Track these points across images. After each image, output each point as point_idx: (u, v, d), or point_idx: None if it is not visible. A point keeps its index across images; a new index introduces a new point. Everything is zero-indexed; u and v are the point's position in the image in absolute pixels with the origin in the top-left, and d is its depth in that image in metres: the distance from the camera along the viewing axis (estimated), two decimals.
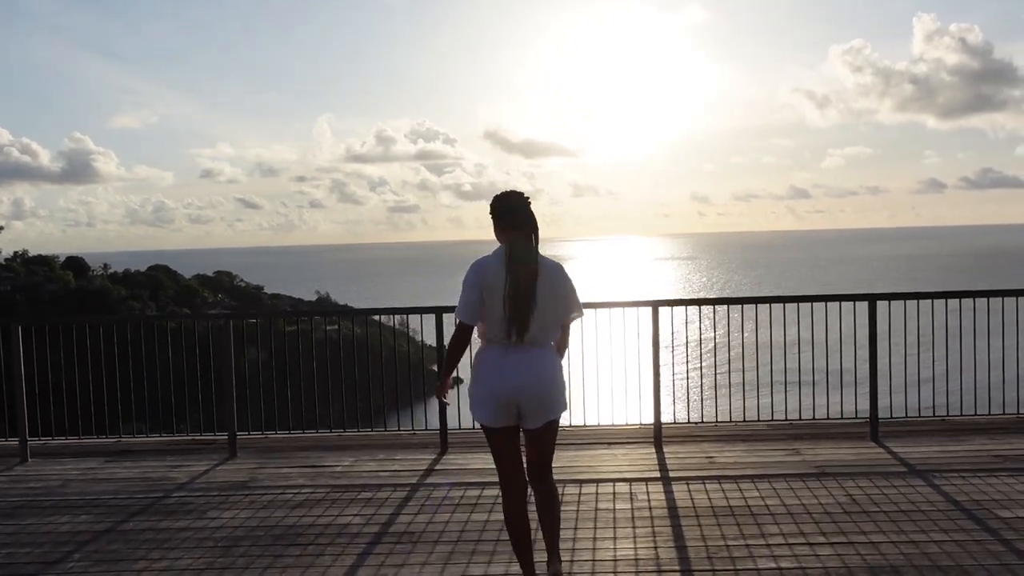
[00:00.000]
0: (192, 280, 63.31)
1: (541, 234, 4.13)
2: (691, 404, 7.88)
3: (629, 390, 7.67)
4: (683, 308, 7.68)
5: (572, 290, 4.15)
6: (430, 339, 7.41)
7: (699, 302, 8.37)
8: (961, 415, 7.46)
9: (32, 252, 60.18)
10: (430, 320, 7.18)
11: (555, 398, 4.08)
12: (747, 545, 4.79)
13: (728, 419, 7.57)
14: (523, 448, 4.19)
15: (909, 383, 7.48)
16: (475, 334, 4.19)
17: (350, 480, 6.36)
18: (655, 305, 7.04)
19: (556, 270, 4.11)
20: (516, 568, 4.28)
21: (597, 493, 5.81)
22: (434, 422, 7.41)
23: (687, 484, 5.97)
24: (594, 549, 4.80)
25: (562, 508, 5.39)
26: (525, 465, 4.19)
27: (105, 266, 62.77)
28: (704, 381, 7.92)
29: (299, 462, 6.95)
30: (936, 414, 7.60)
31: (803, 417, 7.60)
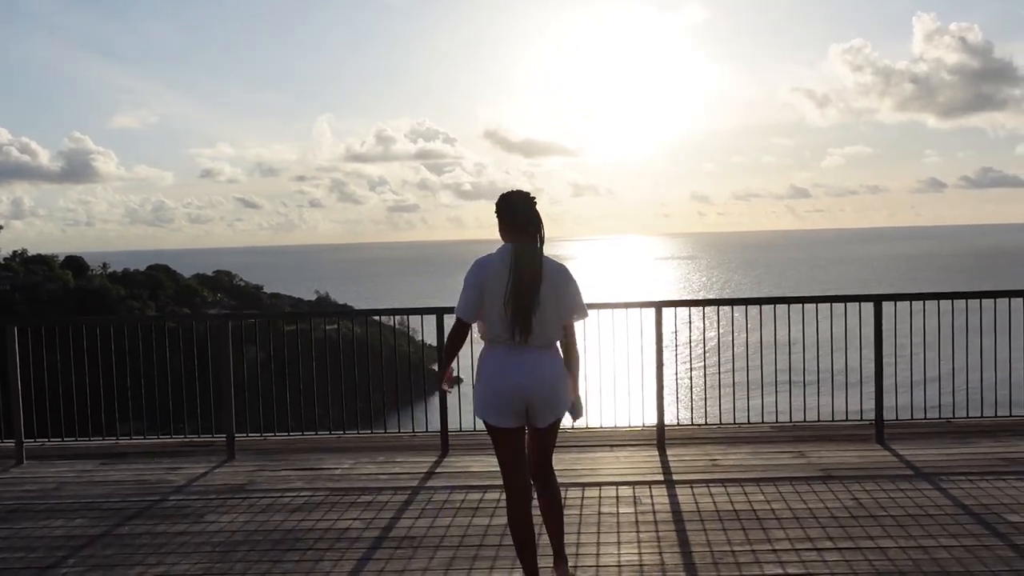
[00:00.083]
0: (192, 280, 63.24)
1: None
2: (694, 406, 7.78)
3: (632, 391, 7.59)
4: (687, 309, 7.61)
5: (575, 291, 4.13)
6: (430, 339, 7.32)
7: (703, 303, 8.30)
8: (967, 417, 7.38)
9: (31, 251, 60.19)
10: (431, 320, 7.10)
11: (561, 397, 4.10)
12: (753, 550, 4.71)
13: (732, 421, 7.49)
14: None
15: (914, 385, 7.38)
16: (477, 334, 4.20)
17: (350, 483, 6.28)
18: (659, 306, 6.96)
19: (559, 271, 4.10)
20: (519, 574, 4.20)
21: (600, 497, 5.72)
22: (435, 424, 7.33)
23: (691, 487, 5.89)
24: (598, 555, 4.71)
25: (565, 513, 5.34)
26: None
27: (104, 265, 62.70)
28: (707, 382, 7.83)
29: (298, 464, 6.87)
30: (941, 416, 7.52)
31: (807, 419, 7.52)
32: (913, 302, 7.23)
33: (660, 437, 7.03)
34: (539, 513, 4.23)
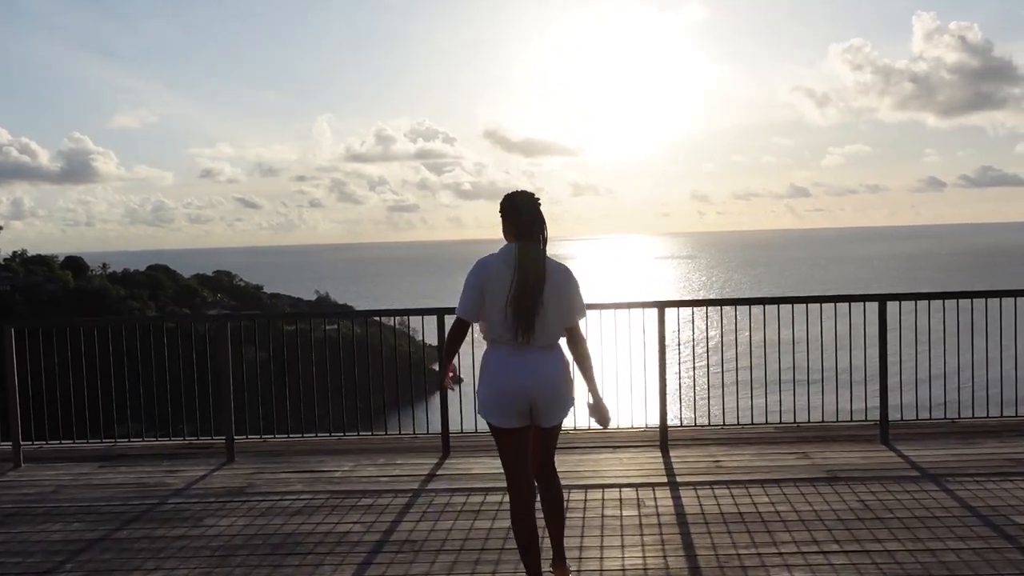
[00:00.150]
0: (191, 280, 63.21)
1: None
2: (697, 406, 7.73)
3: (634, 392, 7.53)
4: (689, 309, 7.55)
5: (576, 292, 4.13)
6: (431, 339, 7.27)
7: (706, 303, 8.23)
8: (973, 418, 7.33)
9: (31, 252, 60.16)
10: (431, 321, 7.05)
11: (566, 397, 4.11)
12: (758, 554, 4.65)
13: (735, 421, 7.43)
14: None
15: (919, 385, 7.32)
16: (479, 334, 4.21)
17: (350, 486, 6.22)
18: (661, 306, 6.90)
19: (561, 271, 4.10)
20: None
21: (603, 499, 5.67)
22: (436, 425, 7.27)
23: (695, 489, 5.83)
24: (601, 558, 4.66)
25: (568, 515, 5.29)
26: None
27: (104, 266, 62.67)
28: (710, 383, 7.77)
29: (298, 467, 6.81)
30: (946, 416, 7.46)
31: (811, 419, 7.46)
32: (918, 301, 7.17)
33: (663, 438, 6.97)
34: (541, 515, 4.20)
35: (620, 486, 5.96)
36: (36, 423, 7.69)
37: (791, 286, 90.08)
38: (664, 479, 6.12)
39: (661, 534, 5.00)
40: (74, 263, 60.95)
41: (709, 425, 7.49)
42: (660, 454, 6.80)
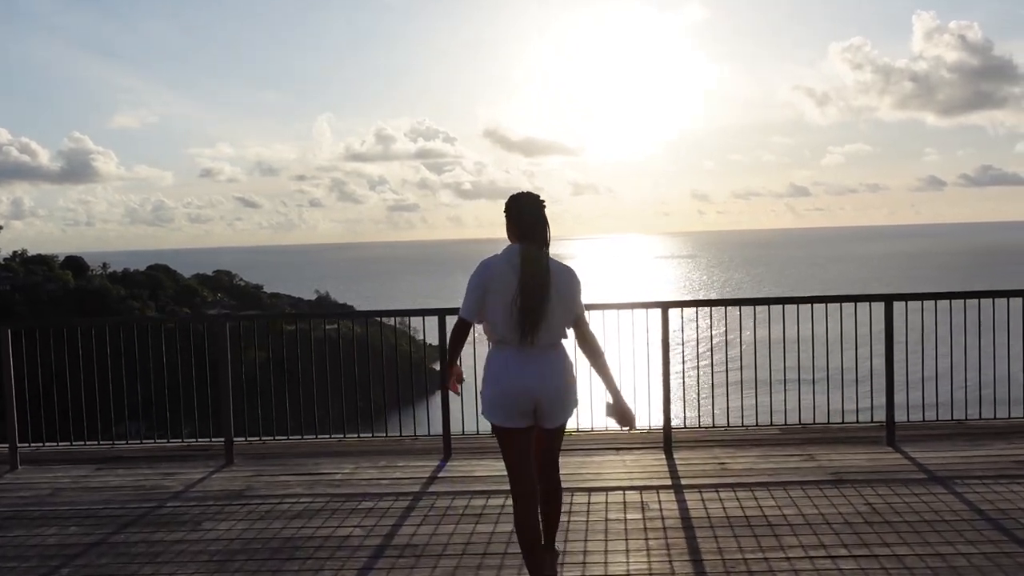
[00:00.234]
0: (192, 279, 63.17)
1: None
2: (701, 407, 7.65)
3: (637, 393, 7.45)
4: (693, 309, 7.47)
5: (578, 291, 4.16)
6: (431, 339, 7.20)
7: (710, 303, 8.14)
8: (980, 419, 7.25)
9: (31, 252, 60.14)
10: (432, 321, 6.99)
11: (570, 397, 4.11)
12: (765, 558, 4.58)
13: (739, 423, 7.35)
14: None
15: (925, 386, 7.25)
16: (481, 335, 4.22)
17: (350, 488, 6.15)
18: (665, 306, 6.82)
19: (564, 271, 4.13)
20: None
21: (607, 502, 5.59)
22: (437, 427, 7.19)
23: (700, 492, 5.75)
24: (606, 563, 4.58)
25: (571, 519, 5.23)
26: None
27: (104, 265, 62.63)
28: (714, 383, 7.70)
29: (297, 469, 6.73)
30: (953, 417, 7.38)
31: (816, 421, 7.38)
32: (925, 301, 7.09)
33: (667, 440, 6.89)
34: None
35: (624, 489, 5.88)
36: (34, 425, 7.62)
37: (791, 285, 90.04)
38: (668, 481, 6.05)
39: (666, 538, 4.93)
40: (74, 263, 60.91)
41: (713, 427, 7.41)
42: (664, 456, 6.72)
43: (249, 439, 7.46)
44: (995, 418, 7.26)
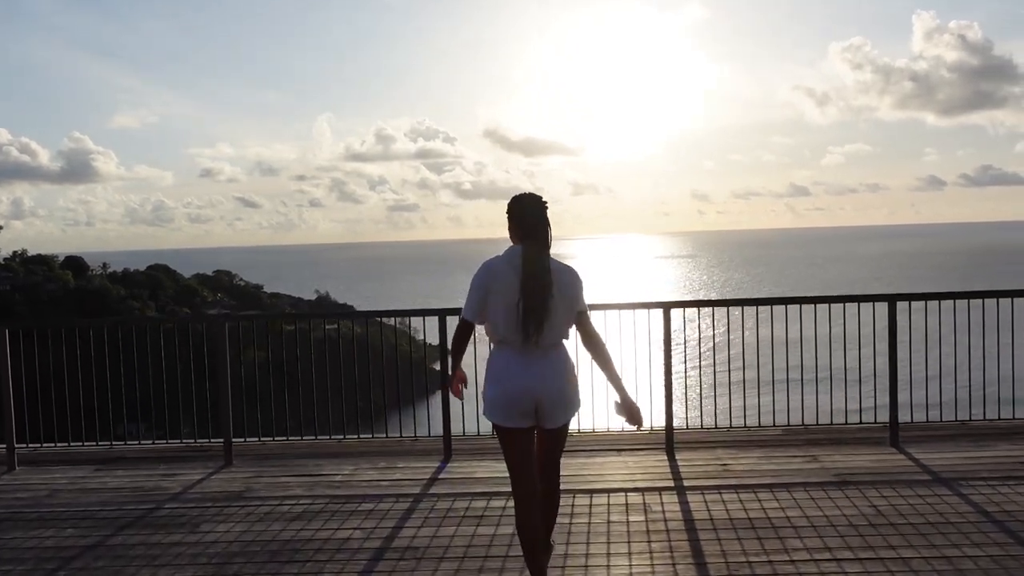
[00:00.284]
0: (192, 279, 63.15)
1: None
2: (703, 408, 7.60)
3: (639, 394, 7.40)
4: (695, 309, 7.41)
5: (580, 289, 4.16)
6: (432, 339, 7.16)
7: (712, 303, 8.08)
8: (984, 419, 7.21)
9: (31, 252, 60.14)
10: (432, 321, 6.94)
11: (573, 398, 4.12)
12: (770, 561, 4.53)
13: (742, 424, 7.30)
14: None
15: (928, 386, 7.19)
16: (483, 335, 4.23)
17: (350, 490, 6.09)
18: (667, 307, 6.77)
19: (566, 271, 4.14)
20: None
21: (609, 504, 5.54)
22: (437, 428, 7.15)
23: (703, 494, 5.70)
24: (608, 566, 4.53)
25: (573, 521, 5.19)
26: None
27: (104, 266, 62.61)
28: (716, 382, 7.64)
29: (297, 470, 6.68)
30: (957, 418, 7.34)
31: (819, 421, 7.33)
32: (928, 302, 7.04)
33: (668, 441, 6.85)
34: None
35: (626, 491, 5.83)
36: (32, 425, 7.57)
37: (792, 285, 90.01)
38: (671, 483, 6.00)
39: (669, 540, 4.88)
40: (74, 263, 60.88)
41: (715, 427, 7.36)
42: (666, 457, 6.67)
43: (248, 440, 7.42)
44: (999, 419, 7.21)
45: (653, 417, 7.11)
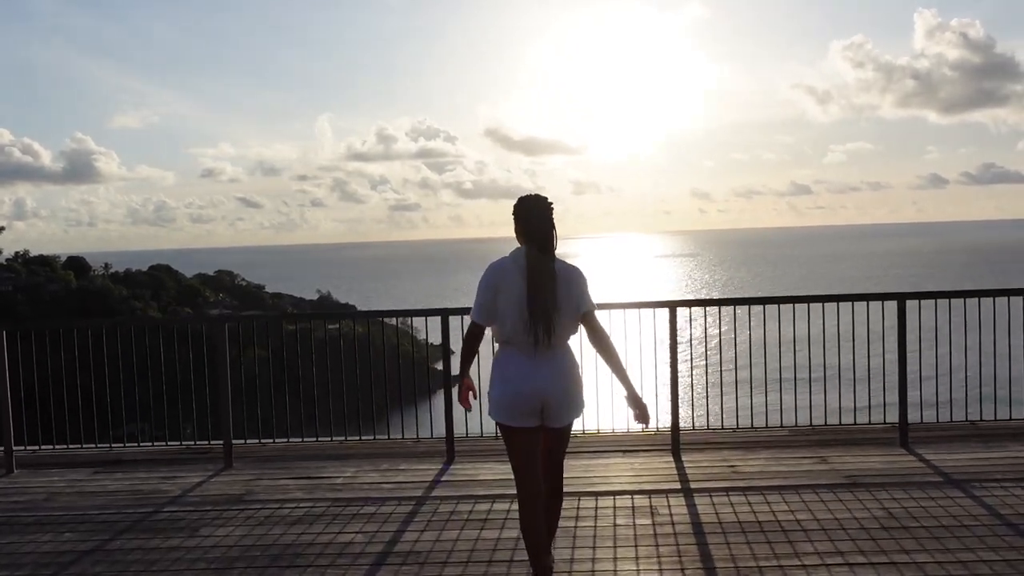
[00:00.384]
0: (194, 279, 63.08)
1: None
2: (709, 409, 7.50)
3: (645, 394, 7.30)
4: (701, 308, 7.31)
5: (585, 288, 4.14)
6: (434, 339, 7.07)
7: (718, 302, 7.98)
8: (995, 420, 7.10)
9: (33, 252, 60.08)
10: (435, 321, 6.86)
11: (577, 398, 4.14)
12: (780, 565, 4.43)
13: (749, 424, 7.20)
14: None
15: (937, 386, 7.08)
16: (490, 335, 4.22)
17: (352, 493, 6.00)
18: (673, 306, 6.67)
19: (571, 271, 4.13)
20: None
21: (615, 507, 5.44)
22: (440, 429, 7.05)
23: (710, 496, 5.61)
24: (615, 571, 4.43)
25: (578, 524, 5.10)
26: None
27: (106, 266, 62.58)
28: (723, 381, 7.54)
29: (298, 473, 6.59)
30: (967, 418, 7.23)
31: (828, 422, 7.23)
32: (938, 300, 6.94)
33: (675, 442, 6.75)
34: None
35: (632, 493, 5.73)
36: (31, 427, 7.48)
37: (794, 283, 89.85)
38: (678, 485, 5.90)
39: (677, 544, 4.78)
40: (76, 263, 60.85)
41: (722, 428, 7.26)
42: (672, 459, 6.58)
43: (248, 441, 7.33)
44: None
45: (659, 418, 7.02)
